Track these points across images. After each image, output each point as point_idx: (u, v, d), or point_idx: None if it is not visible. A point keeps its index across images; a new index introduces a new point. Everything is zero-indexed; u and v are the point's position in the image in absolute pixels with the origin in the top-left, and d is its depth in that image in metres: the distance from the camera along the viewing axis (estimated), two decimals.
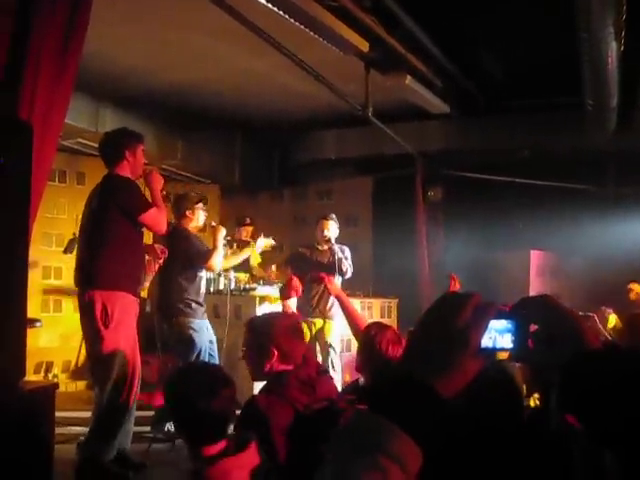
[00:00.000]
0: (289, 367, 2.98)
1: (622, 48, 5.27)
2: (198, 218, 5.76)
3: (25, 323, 2.63)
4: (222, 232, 5.71)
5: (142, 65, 6.69)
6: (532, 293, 8.38)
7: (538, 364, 1.02)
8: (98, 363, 4.42)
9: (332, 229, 6.76)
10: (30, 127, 2.50)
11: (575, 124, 7.47)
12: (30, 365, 5.98)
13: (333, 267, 6.54)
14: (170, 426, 5.43)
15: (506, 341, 0.93)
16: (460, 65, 6.79)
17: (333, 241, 6.69)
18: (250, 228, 8.25)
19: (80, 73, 3.41)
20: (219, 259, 5.62)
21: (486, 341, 0.90)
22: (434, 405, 0.82)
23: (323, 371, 3.16)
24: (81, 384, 7.69)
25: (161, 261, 5.40)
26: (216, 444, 2.38)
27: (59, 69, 3.06)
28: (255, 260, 8.12)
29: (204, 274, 5.83)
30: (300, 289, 4.61)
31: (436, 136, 8.27)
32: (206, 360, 5.51)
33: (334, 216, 6.89)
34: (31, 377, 5.96)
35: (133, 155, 4.54)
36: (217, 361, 5.67)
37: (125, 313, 4.38)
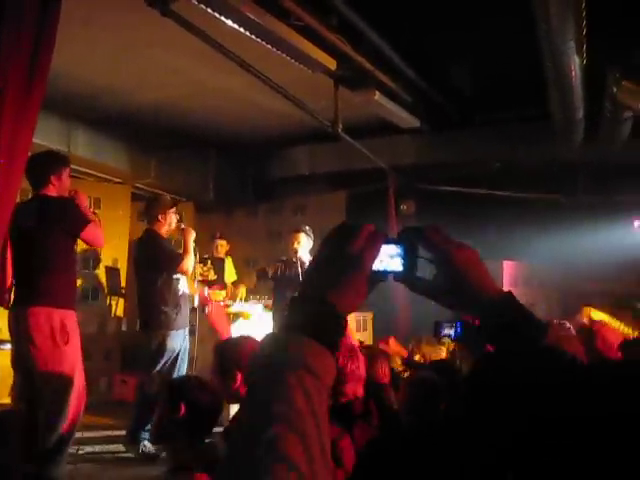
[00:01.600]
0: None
1: (584, 61, 5.37)
2: (170, 222, 5.83)
3: None
4: (192, 235, 5.85)
5: (113, 84, 6.71)
6: None
7: (420, 287, 1.11)
8: (48, 382, 4.31)
9: (302, 241, 6.76)
10: None
11: (544, 136, 7.58)
12: (3, 387, 5.93)
13: (299, 280, 6.53)
14: (143, 446, 5.44)
15: (396, 264, 1.06)
16: (429, 79, 6.86)
17: (302, 253, 6.68)
18: (224, 242, 8.28)
19: (50, 93, 3.42)
20: (191, 262, 5.77)
21: (378, 264, 1.02)
22: (332, 313, 0.92)
23: None
24: None
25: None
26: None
27: (24, 100, 3.07)
28: (230, 277, 8.14)
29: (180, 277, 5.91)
30: None
31: (407, 150, 8.36)
32: (177, 366, 5.67)
33: (307, 228, 6.90)
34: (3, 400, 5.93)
35: (59, 179, 4.54)
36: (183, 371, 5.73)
37: (75, 331, 4.44)
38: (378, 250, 1.01)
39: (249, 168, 9.60)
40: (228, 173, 9.40)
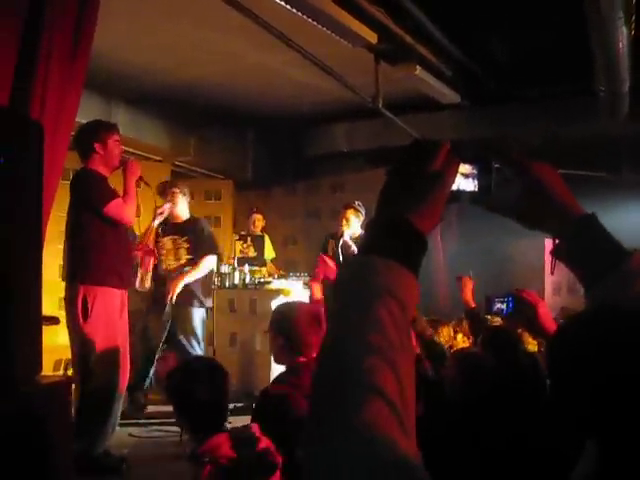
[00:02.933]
0: (302, 358, 2.99)
1: (632, 33, 5.23)
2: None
3: (40, 320, 2.66)
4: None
5: (154, 63, 6.72)
6: (548, 281, 8.36)
7: (497, 207, 1.07)
8: (79, 357, 4.39)
9: (351, 219, 6.66)
10: (41, 126, 2.53)
11: (587, 111, 7.41)
12: (50, 362, 6.04)
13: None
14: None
15: (470, 184, 1.01)
16: (470, 54, 6.76)
17: (346, 236, 6.58)
18: (260, 216, 8.23)
19: (92, 72, 3.44)
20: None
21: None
22: (417, 236, 0.87)
23: None
24: None
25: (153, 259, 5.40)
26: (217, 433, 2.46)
27: (69, 68, 3.10)
28: (268, 254, 8.14)
29: None
30: (330, 268, 4.54)
31: (447, 126, 8.25)
32: None
33: (357, 204, 6.75)
34: (50, 374, 6.03)
35: (104, 147, 4.44)
36: None
37: (106, 307, 4.36)
38: (458, 168, 0.96)
39: (287, 146, 9.58)
40: (266, 151, 9.39)
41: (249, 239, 7.47)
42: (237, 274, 7.16)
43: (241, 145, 9.11)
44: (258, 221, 8.25)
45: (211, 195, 9.38)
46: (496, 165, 1.03)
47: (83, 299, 4.30)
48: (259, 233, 8.07)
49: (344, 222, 6.66)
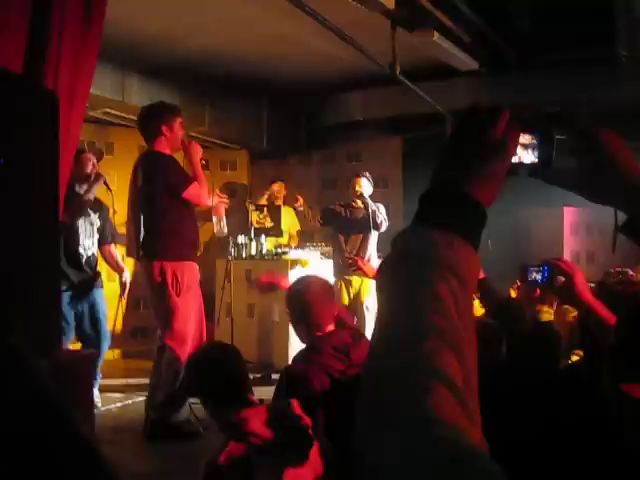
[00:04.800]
0: (319, 332, 3.04)
1: None
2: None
3: (59, 292, 2.65)
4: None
5: (167, 32, 6.64)
6: (566, 251, 8.28)
7: (559, 179, 1.00)
8: (171, 330, 4.58)
9: (364, 185, 6.74)
10: (56, 95, 2.49)
11: (608, 78, 7.27)
12: None
13: (368, 222, 6.52)
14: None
15: (530, 156, 0.95)
16: (488, 20, 6.63)
17: (366, 196, 6.66)
18: (282, 185, 8.19)
19: (104, 42, 3.39)
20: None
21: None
22: (477, 208, 0.82)
23: (359, 336, 3.15)
24: (117, 352, 7.79)
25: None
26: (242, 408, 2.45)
27: (83, 36, 3.05)
28: (293, 227, 8.10)
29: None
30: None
31: (465, 93, 8.10)
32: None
33: (367, 174, 6.88)
34: (71, 346, 6.06)
35: (170, 129, 4.61)
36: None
37: (193, 281, 4.62)
38: (519, 137, 0.90)
39: (302, 115, 9.50)
40: (281, 121, 9.31)
41: (265, 209, 7.44)
42: (254, 244, 7.14)
43: (256, 115, 9.03)
44: (279, 191, 8.21)
45: (226, 165, 9.35)
46: (558, 136, 0.96)
47: (173, 275, 4.49)
48: (278, 202, 8.04)
49: (357, 187, 6.71)
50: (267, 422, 2.31)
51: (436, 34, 6.15)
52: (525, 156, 0.94)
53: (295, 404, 2.43)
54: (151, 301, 4.83)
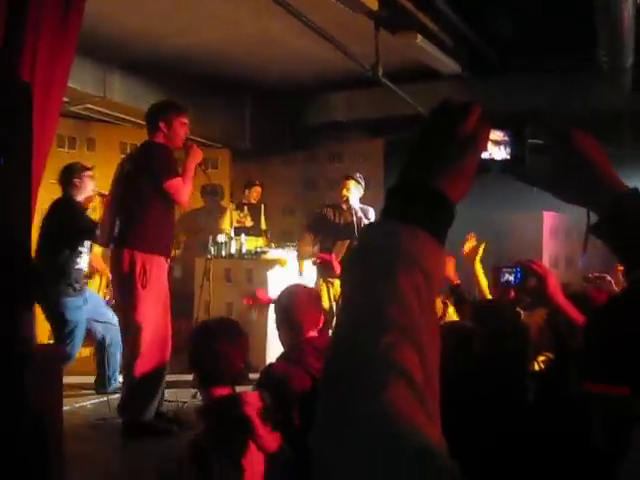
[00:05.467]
0: (302, 336, 3.12)
1: (639, 2, 5.15)
2: (86, 187, 5.61)
3: (31, 288, 2.63)
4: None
5: (150, 29, 6.60)
6: (545, 255, 8.33)
7: (530, 177, 1.00)
8: (131, 324, 4.54)
9: (352, 189, 6.64)
10: (29, 86, 2.46)
11: (589, 84, 7.34)
12: (44, 332, 6.02)
13: (353, 228, 6.50)
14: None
15: (502, 153, 0.94)
16: (472, 24, 6.65)
17: (352, 202, 6.59)
18: (259, 189, 8.21)
19: (86, 37, 3.37)
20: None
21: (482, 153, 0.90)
22: (446, 204, 0.80)
23: None
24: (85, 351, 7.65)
25: None
26: (224, 387, 2.56)
27: (61, 29, 3.03)
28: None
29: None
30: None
31: (448, 96, 8.13)
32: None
33: (358, 175, 6.78)
34: (45, 341, 6.01)
35: (168, 126, 4.65)
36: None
37: (161, 276, 4.59)
38: (489, 133, 0.89)
39: (285, 115, 9.47)
40: (264, 120, 9.29)
41: (246, 208, 7.42)
42: (233, 243, 7.12)
43: (239, 114, 9.00)
44: (257, 193, 8.22)
45: (208, 164, 9.30)
46: (530, 134, 0.96)
47: (142, 266, 4.47)
48: (253, 202, 8.04)
49: (345, 191, 6.61)
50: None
51: (419, 36, 6.16)
52: (497, 153, 0.94)
53: (253, 394, 2.48)
54: (116, 290, 4.85)
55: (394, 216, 0.79)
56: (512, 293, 4.06)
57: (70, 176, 5.58)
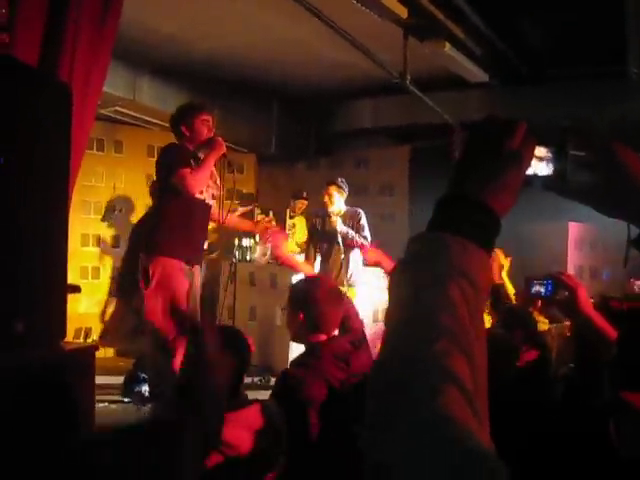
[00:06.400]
0: (322, 336, 2.93)
1: None
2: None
3: (66, 286, 2.66)
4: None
5: (179, 33, 6.67)
6: (570, 266, 8.27)
7: (572, 192, 1.00)
8: (141, 324, 4.67)
9: (335, 198, 6.47)
10: (70, 89, 2.50)
11: (619, 93, 7.29)
12: (70, 330, 6.06)
13: (335, 234, 6.37)
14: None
15: (544, 168, 0.96)
16: (500, 32, 6.63)
17: (333, 208, 6.43)
18: (305, 202, 8.19)
19: (117, 41, 3.41)
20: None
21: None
22: (493, 217, 0.83)
23: (359, 342, 3.02)
24: (109, 351, 7.73)
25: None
26: None
27: (99, 32, 3.07)
28: (300, 237, 8.09)
29: None
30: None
31: (475, 105, 8.12)
32: None
33: (341, 181, 6.58)
34: (71, 341, 6.07)
35: (190, 129, 4.60)
36: None
37: (168, 279, 4.37)
38: (534, 149, 0.91)
39: (312, 121, 9.51)
40: (290, 125, 9.33)
41: (271, 213, 7.45)
42: (258, 248, 7.15)
43: (265, 119, 9.05)
44: (302, 204, 8.22)
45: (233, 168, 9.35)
46: (573, 149, 0.97)
47: (144, 267, 4.44)
48: (292, 214, 8.07)
49: (327, 198, 6.48)
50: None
51: (447, 45, 6.16)
52: (540, 168, 0.96)
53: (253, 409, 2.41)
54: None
55: (442, 227, 0.81)
56: (539, 303, 4.05)
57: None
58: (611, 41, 5.89)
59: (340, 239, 6.31)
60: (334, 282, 3.28)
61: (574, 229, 8.59)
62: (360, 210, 6.56)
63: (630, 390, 1.18)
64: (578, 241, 8.65)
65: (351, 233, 6.36)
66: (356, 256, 6.47)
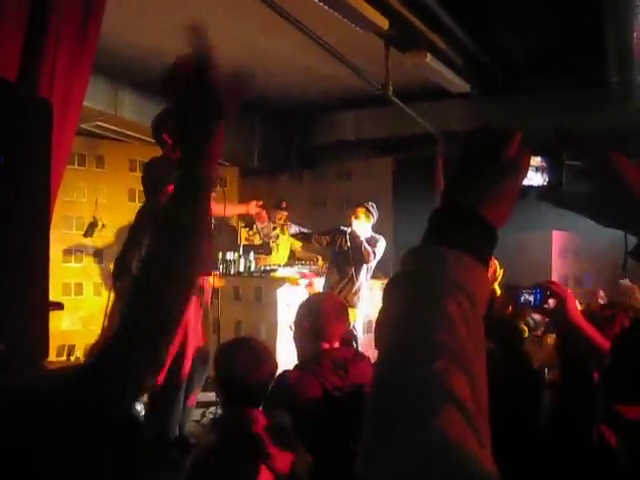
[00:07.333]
0: (325, 344, 3.08)
1: None
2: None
3: (47, 304, 2.61)
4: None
5: (161, 47, 6.60)
6: (554, 275, 8.31)
7: (569, 202, 0.98)
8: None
9: (361, 218, 6.61)
10: (50, 104, 2.47)
11: (598, 103, 7.34)
12: (53, 348, 6.01)
13: (349, 254, 6.50)
14: None
15: (539, 178, 0.94)
16: (481, 43, 6.67)
17: (357, 228, 6.57)
18: (285, 213, 8.17)
19: (98, 55, 3.38)
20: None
21: None
22: (489, 229, 0.81)
23: (361, 355, 3.22)
24: None
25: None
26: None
27: (79, 47, 3.04)
28: (285, 250, 8.06)
29: None
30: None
31: (456, 115, 8.16)
32: None
33: (370, 205, 6.72)
34: (54, 359, 6.00)
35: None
36: None
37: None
38: (530, 159, 0.89)
39: (294, 133, 9.51)
40: (273, 138, 9.33)
41: (255, 227, 7.42)
42: (242, 261, 7.12)
43: (248, 132, 9.04)
44: (280, 217, 8.20)
45: (216, 181, 9.33)
46: (568, 159, 0.95)
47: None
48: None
49: (353, 219, 6.61)
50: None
51: (429, 56, 6.19)
52: (535, 179, 0.94)
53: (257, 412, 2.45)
54: None
55: (438, 240, 0.79)
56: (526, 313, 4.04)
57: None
58: (590, 50, 5.93)
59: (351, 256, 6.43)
60: (342, 299, 3.52)
61: (558, 238, 8.63)
62: (381, 238, 6.66)
63: (625, 402, 1.16)
64: (562, 250, 8.69)
65: (365, 246, 6.45)
66: (363, 276, 6.61)
